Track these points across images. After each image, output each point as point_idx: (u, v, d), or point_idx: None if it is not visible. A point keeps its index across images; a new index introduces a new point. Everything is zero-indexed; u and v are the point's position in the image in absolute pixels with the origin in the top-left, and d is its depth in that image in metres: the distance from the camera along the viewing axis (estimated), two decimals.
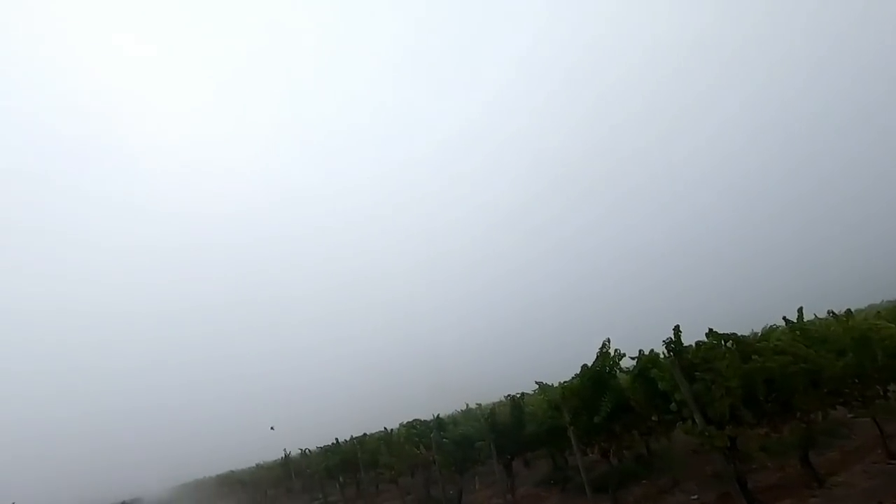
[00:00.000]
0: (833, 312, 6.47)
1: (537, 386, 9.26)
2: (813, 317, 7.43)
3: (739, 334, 5.67)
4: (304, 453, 20.27)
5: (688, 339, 5.97)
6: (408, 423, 13.47)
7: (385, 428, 14.48)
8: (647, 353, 6.73)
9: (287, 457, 21.87)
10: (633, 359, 6.95)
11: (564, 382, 7.97)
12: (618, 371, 7.33)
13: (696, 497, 6.76)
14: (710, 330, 5.63)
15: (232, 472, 35.99)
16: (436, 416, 13.33)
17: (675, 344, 5.78)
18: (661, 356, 6.52)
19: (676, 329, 5.81)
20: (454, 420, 14.78)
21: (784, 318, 6.18)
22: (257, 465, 28.46)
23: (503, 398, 14.28)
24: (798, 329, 5.93)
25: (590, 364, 7.29)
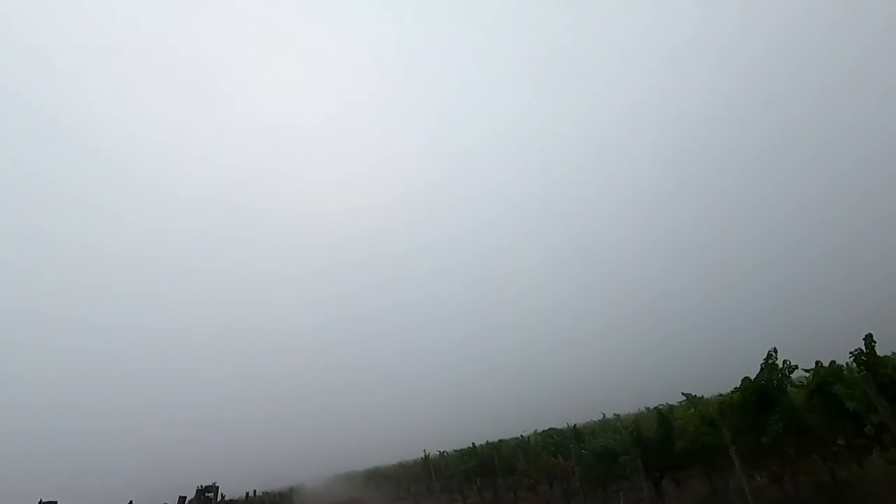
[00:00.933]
0: None
1: (684, 398, 8.54)
2: None
3: None
4: (441, 455, 21.10)
5: (881, 351, 5.05)
6: (543, 431, 13.33)
7: (521, 435, 14.48)
8: (825, 364, 5.83)
9: (426, 457, 22.97)
10: (807, 371, 6.07)
11: (721, 396, 7.23)
12: (788, 385, 6.44)
13: None
14: None
15: (378, 467, 38.93)
16: (572, 425, 12.99)
17: (867, 356, 4.91)
18: (845, 369, 5.59)
19: (868, 338, 4.93)
20: (591, 430, 14.23)
21: None
22: (399, 463, 30.37)
23: (644, 409, 13.39)
24: None
25: (752, 377, 6.51)
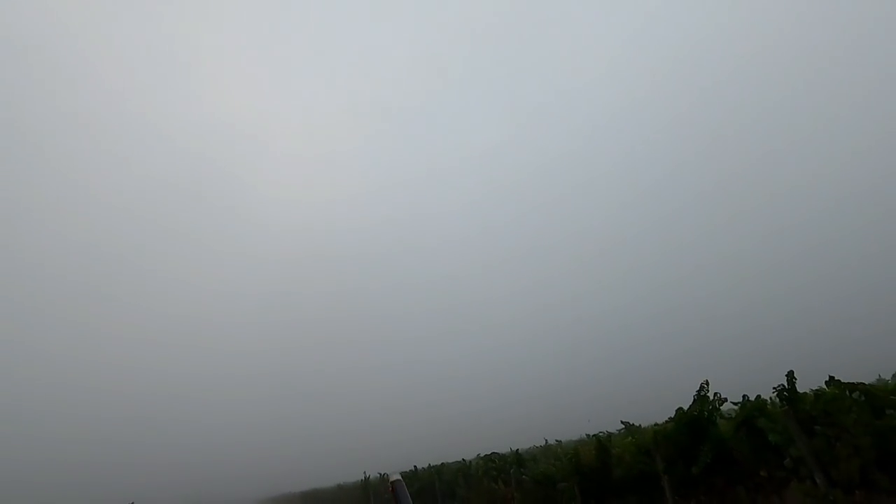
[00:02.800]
0: None
1: (623, 426, 8.75)
2: None
3: (867, 383, 4.98)
4: (382, 477, 20.52)
5: (801, 387, 5.36)
6: (485, 455, 13.25)
7: (463, 459, 14.34)
8: (751, 398, 6.14)
9: (366, 479, 22.28)
10: (735, 404, 6.36)
11: (656, 425, 7.44)
12: (717, 417, 6.72)
13: None
14: (832, 378, 5.00)
15: (315, 490, 37.31)
16: (514, 450, 12.99)
17: (788, 392, 5.20)
18: (769, 403, 5.90)
19: (790, 375, 5.23)
20: (533, 456, 14.28)
21: None
22: (338, 486, 29.26)
23: (585, 436, 13.62)
24: None
25: (685, 407, 6.76)
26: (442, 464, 15.32)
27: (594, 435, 9.36)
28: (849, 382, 4.95)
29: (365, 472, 22.64)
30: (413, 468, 16.71)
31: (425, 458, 16.64)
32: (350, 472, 29.23)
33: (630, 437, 8.45)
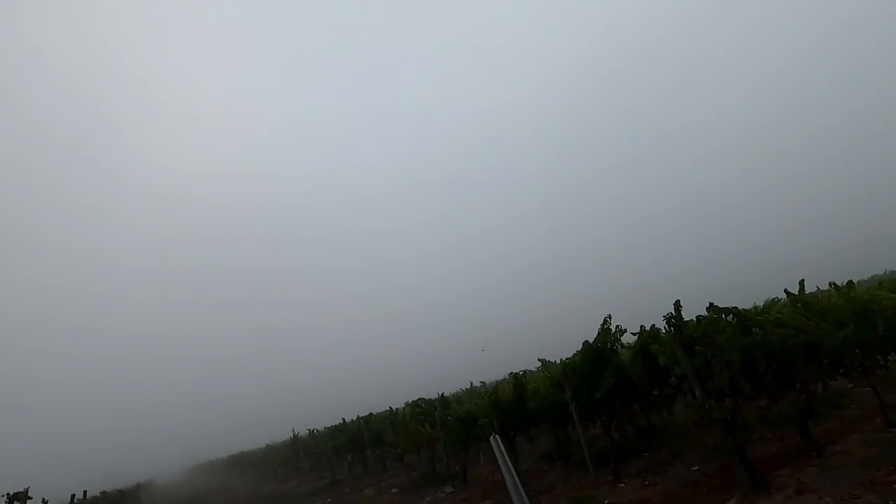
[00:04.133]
0: (835, 284, 6.45)
1: (539, 363, 9.36)
2: (815, 289, 7.43)
3: (741, 308, 5.66)
4: (311, 433, 20.61)
5: (690, 314, 5.99)
6: (413, 401, 13.66)
7: (390, 407, 14.69)
8: (648, 328, 6.78)
9: (296, 437, 22.27)
10: (634, 335, 7.00)
11: (566, 359, 8.03)
12: (619, 347, 7.37)
13: (696, 468, 6.85)
14: (711, 304, 5.61)
15: (242, 453, 36.73)
16: (440, 394, 13.50)
17: (675, 319, 5.78)
18: (662, 332, 6.55)
19: (677, 304, 5.80)
20: (458, 399, 14.96)
21: (786, 290, 6.16)
22: (267, 446, 29.03)
23: (507, 376, 14.45)
24: (800, 302, 5.91)
25: (591, 341, 7.33)
26: (370, 414, 15.62)
27: (512, 373, 9.93)
28: (724, 307, 5.60)
29: (294, 429, 22.61)
30: (342, 420, 16.89)
31: (355, 411, 16.85)
32: (279, 432, 29.06)
33: (545, 372, 9.09)
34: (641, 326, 6.90)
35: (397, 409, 14.20)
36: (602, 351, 7.18)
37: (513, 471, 0.88)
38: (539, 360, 9.41)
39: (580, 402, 7.52)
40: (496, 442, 1.14)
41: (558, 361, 9.42)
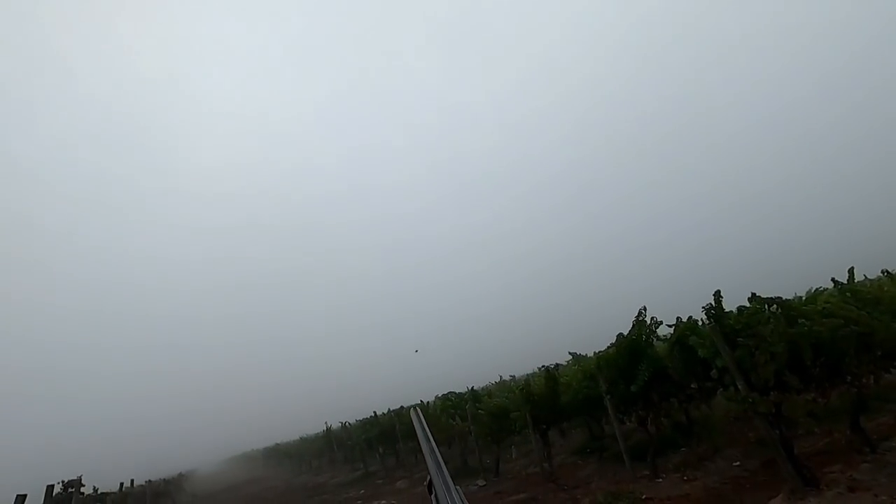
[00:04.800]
0: (887, 272, 6.12)
1: (570, 357, 9.23)
2: (863, 278, 7.06)
3: (784, 298, 5.43)
4: (344, 426, 20.98)
5: (730, 305, 5.79)
6: (443, 395, 13.72)
7: (421, 400, 14.80)
8: (685, 320, 6.59)
9: (328, 430, 22.71)
10: (670, 326, 6.81)
11: (600, 352, 7.89)
12: (655, 339, 7.20)
13: (738, 464, 6.64)
14: (753, 294, 5.41)
15: (277, 444, 37.72)
16: (470, 388, 13.52)
17: (715, 310, 5.59)
18: (701, 323, 6.35)
19: (717, 294, 5.61)
20: (489, 392, 14.96)
21: (833, 279, 5.87)
22: (301, 438, 29.72)
23: (537, 370, 14.32)
24: (849, 291, 5.62)
25: (626, 333, 7.18)
26: (401, 407, 15.78)
27: (543, 367, 9.84)
28: (768, 298, 5.38)
29: (326, 423, 23.07)
30: (373, 413, 17.12)
31: (387, 404, 17.07)
32: (313, 426, 29.74)
33: (577, 366, 8.96)
34: (678, 318, 6.70)
35: (428, 402, 14.29)
36: (637, 343, 7.03)
37: (436, 450, 0.84)
38: (570, 353, 9.29)
39: (615, 395, 7.39)
40: (416, 414, 1.10)
41: (589, 355, 9.29)
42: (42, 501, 6.18)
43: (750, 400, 5.12)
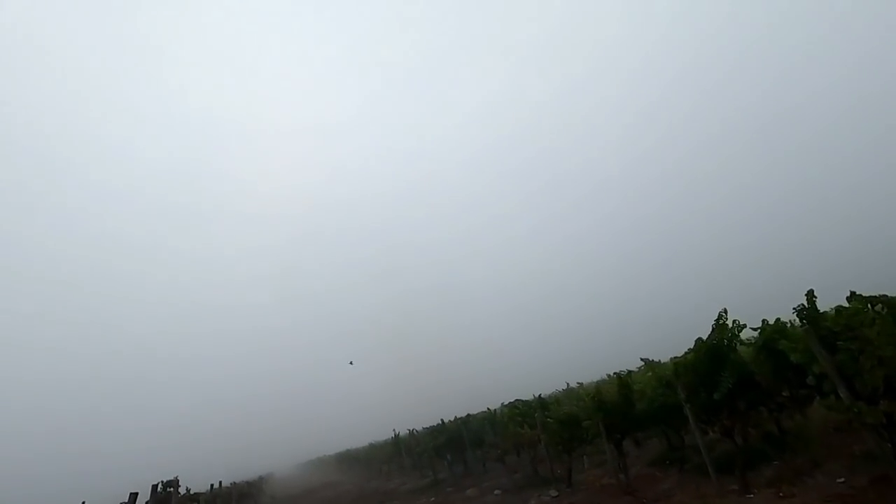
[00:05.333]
0: None
1: (643, 363, 8.84)
2: None
3: (890, 296, 4.90)
4: (411, 433, 21.28)
5: (821, 306, 5.31)
6: (510, 403, 13.57)
7: (488, 408, 14.72)
8: (770, 322, 6.12)
9: (397, 436, 23.12)
10: (755, 330, 6.35)
11: (676, 358, 7.50)
12: (738, 344, 6.74)
13: (842, 480, 6.03)
14: (853, 293, 4.93)
15: (348, 450, 38.90)
16: (537, 395, 13.28)
17: (808, 311, 5.15)
18: (790, 325, 5.87)
19: (810, 294, 5.16)
20: (556, 399, 14.63)
21: None
22: (370, 445, 30.47)
23: (606, 376, 13.84)
24: None
25: (704, 337, 6.77)
26: (468, 415, 15.77)
27: (615, 373, 9.48)
28: (871, 296, 4.88)
29: (394, 429, 23.49)
30: (440, 421, 17.23)
31: (453, 412, 17.20)
32: (381, 431, 30.45)
33: (651, 372, 8.56)
34: (763, 321, 6.24)
35: (495, 410, 14.19)
36: (718, 348, 6.61)
37: None
38: (642, 359, 8.89)
39: (695, 403, 6.97)
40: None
41: (662, 360, 8.84)
42: (148, 499, 6.82)
43: (855, 409, 4.65)
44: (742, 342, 6.79)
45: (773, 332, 5.97)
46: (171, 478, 9.69)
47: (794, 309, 5.22)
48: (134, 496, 5.63)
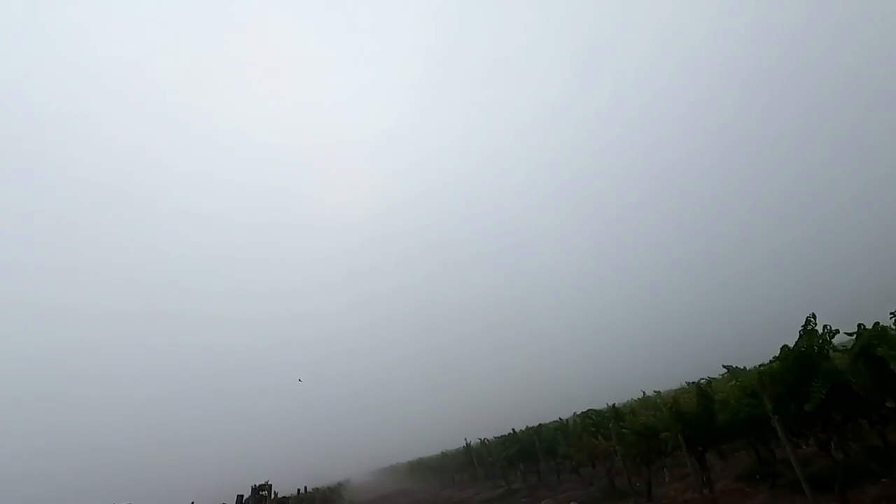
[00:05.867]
0: None
1: (725, 370, 8.43)
2: None
3: None
4: (483, 442, 21.36)
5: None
6: (582, 412, 13.34)
7: (560, 418, 14.55)
8: (867, 326, 5.68)
9: (468, 445, 23.28)
10: (849, 335, 5.92)
11: (761, 366, 7.12)
12: (829, 350, 6.29)
13: None
14: None
15: (420, 459, 39.56)
16: (611, 405, 12.97)
17: None
18: (891, 329, 5.44)
19: None
20: (631, 409, 14.19)
21: None
22: (442, 453, 30.84)
23: (684, 384, 13.23)
24: None
25: (790, 344, 6.39)
26: (539, 425, 15.64)
27: (694, 382, 9.10)
28: None
29: (466, 439, 23.68)
30: (511, 430, 17.21)
31: (523, 421, 17.08)
32: (452, 440, 30.76)
33: (734, 381, 8.14)
34: (860, 325, 5.80)
35: (567, 419, 14.00)
36: (808, 355, 6.21)
37: None
38: (724, 366, 8.49)
39: (784, 414, 6.57)
40: None
41: (744, 368, 8.37)
42: (245, 500, 7.49)
43: None
44: (835, 349, 6.33)
45: (871, 338, 5.55)
46: (263, 482, 10.51)
47: (891, 314, 4.86)
48: (240, 497, 6.25)
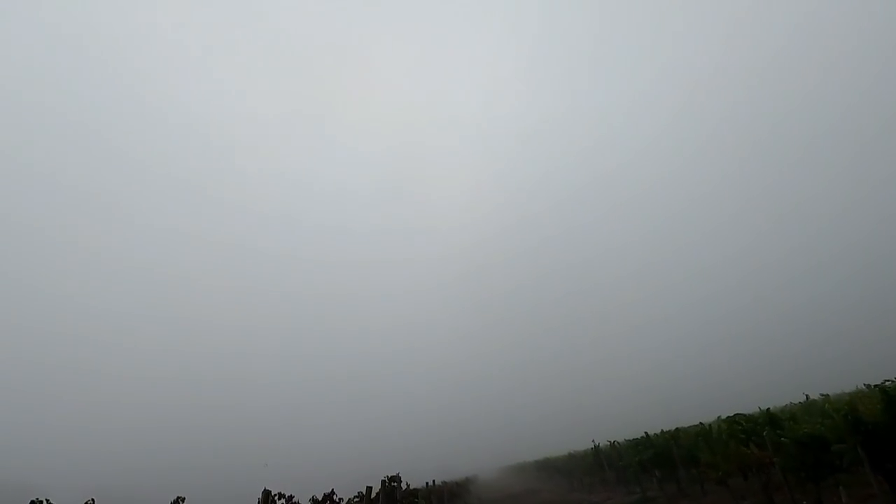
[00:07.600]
0: None
1: None
2: None
3: None
4: (612, 445, 20.22)
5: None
6: (728, 417, 11.90)
7: (701, 423, 13.15)
8: None
9: (597, 447, 22.23)
10: None
11: None
12: None
13: None
14: None
15: (547, 458, 38.83)
16: (765, 409, 11.39)
17: None
18: None
19: None
20: (791, 415, 12.31)
21: None
22: (569, 454, 29.86)
23: (862, 387, 11.08)
24: None
25: None
26: (677, 429, 14.30)
27: (877, 385, 7.51)
28: None
29: (594, 440, 22.66)
30: (644, 434, 16.01)
31: (657, 424, 15.79)
32: (578, 441, 29.66)
33: None
34: None
35: (709, 424, 12.59)
36: None
37: None
38: None
39: None
40: None
41: None
42: (378, 491, 7.92)
43: None
44: None
45: None
46: (394, 473, 11.05)
47: None
48: (369, 490, 6.63)
